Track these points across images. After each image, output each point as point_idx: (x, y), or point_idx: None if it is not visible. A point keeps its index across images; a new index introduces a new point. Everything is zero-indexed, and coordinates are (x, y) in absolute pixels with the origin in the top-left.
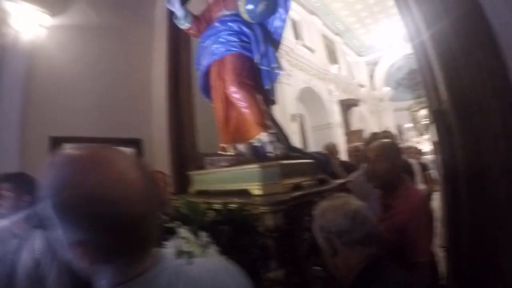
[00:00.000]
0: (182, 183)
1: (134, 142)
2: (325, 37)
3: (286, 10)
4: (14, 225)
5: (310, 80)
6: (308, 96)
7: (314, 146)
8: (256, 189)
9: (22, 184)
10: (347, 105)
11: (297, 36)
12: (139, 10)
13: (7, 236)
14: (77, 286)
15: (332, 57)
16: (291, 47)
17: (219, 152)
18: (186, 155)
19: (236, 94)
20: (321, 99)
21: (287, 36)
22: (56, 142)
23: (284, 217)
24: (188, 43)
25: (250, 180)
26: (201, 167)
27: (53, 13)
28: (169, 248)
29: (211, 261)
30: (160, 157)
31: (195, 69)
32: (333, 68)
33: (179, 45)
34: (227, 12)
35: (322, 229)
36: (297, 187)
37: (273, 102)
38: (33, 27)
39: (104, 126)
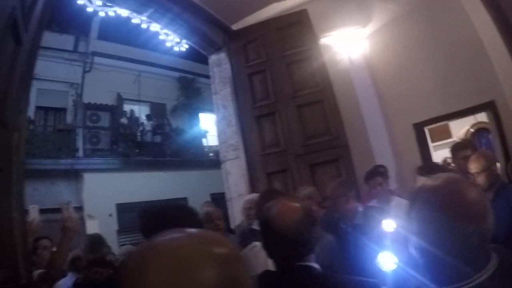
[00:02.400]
0: None
1: (487, 106)
2: None
3: None
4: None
5: None
6: None
7: None
8: None
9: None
10: None
11: None
12: None
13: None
14: None
15: None
16: None
17: None
18: None
19: None
20: None
21: None
22: (418, 127)
23: None
24: None
25: None
26: None
27: (363, 25)
28: None
29: None
30: None
31: None
32: None
33: None
34: None
35: None
36: None
37: None
38: (355, 43)
39: (453, 100)
